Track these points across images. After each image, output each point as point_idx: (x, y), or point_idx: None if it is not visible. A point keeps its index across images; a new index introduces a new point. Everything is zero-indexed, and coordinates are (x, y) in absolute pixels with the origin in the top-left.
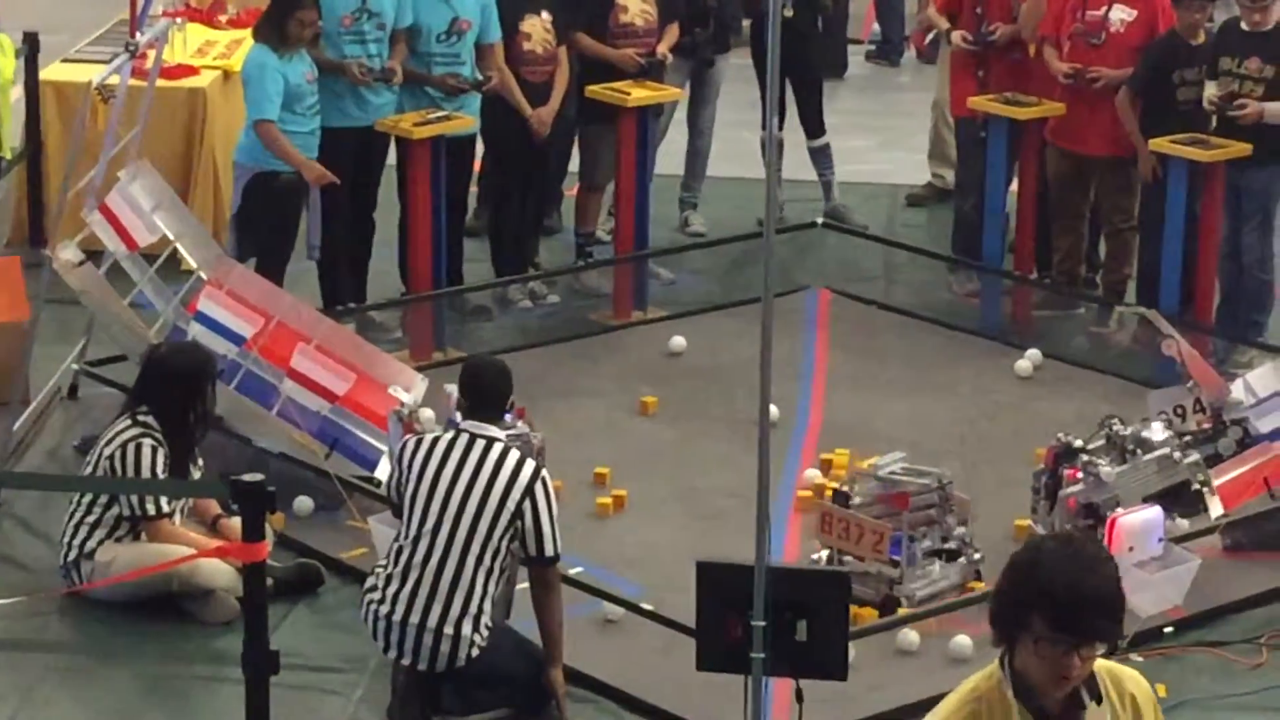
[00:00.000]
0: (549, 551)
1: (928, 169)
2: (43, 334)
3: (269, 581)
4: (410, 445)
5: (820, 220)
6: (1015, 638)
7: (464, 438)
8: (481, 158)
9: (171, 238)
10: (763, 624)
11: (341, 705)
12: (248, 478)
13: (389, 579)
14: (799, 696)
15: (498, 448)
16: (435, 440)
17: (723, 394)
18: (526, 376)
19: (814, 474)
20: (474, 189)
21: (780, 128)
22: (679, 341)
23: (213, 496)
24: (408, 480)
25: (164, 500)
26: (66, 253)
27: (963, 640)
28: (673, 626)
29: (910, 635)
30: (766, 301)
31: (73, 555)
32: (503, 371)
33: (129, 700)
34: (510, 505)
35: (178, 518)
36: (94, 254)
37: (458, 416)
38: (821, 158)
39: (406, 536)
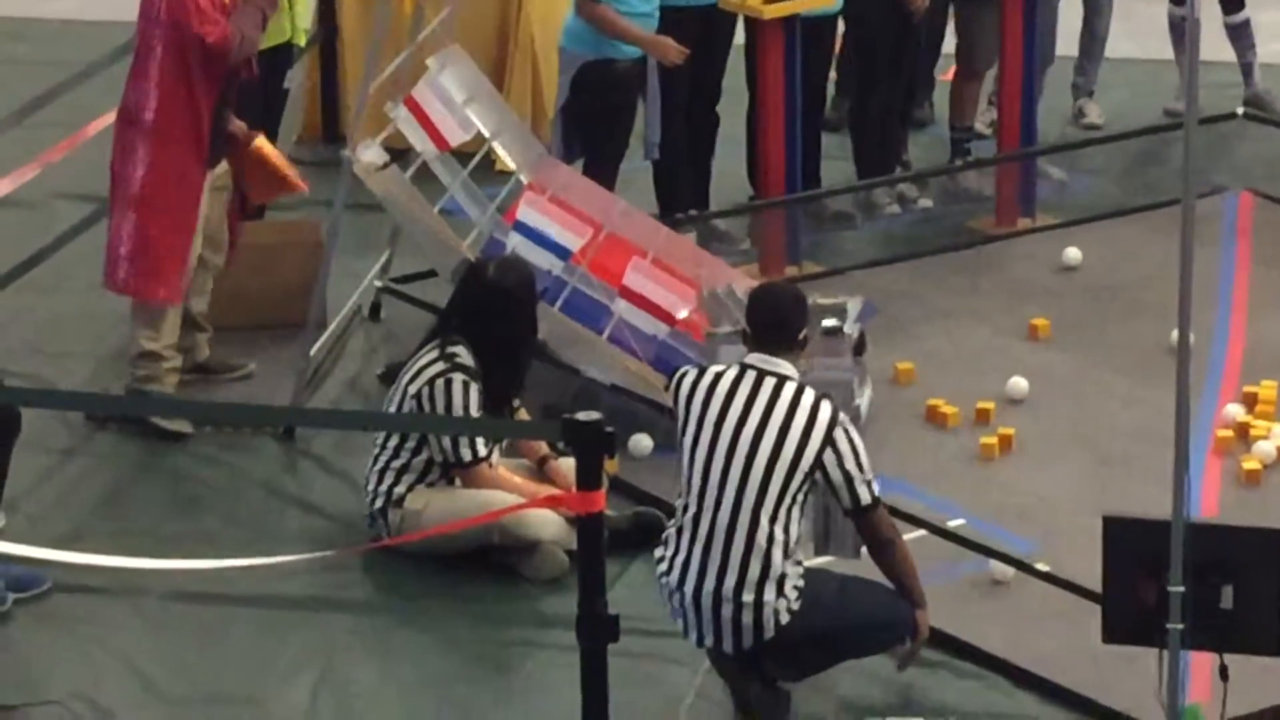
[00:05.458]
0: (865, 499)
1: None
2: (341, 247)
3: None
4: (689, 379)
5: (1241, 110)
6: None
7: (751, 374)
8: (841, 40)
9: (487, 135)
10: (1181, 589)
11: (686, 677)
12: (584, 416)
13: (676, 545)
14: (1223, 674)
15: (790, 387)
16: (718, 375)
17: (1124, 315)
18: (895, 294)
19: (1235, 410)
20: (833, 76)
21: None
22: (1073, 254)
23: (542, 438)
24: (687, 423)
25: (480, 442)
26: (368, 153)
27: None
28: (1073, 590)
29: None
30: (1187, 209)
31: (379, 503)
32: (797, 298)
33: (443, 669)
34: (808, 456)
35: (495, 454)
36: (399, 154)
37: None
38: (1241, 36)
39: (689, 492)
